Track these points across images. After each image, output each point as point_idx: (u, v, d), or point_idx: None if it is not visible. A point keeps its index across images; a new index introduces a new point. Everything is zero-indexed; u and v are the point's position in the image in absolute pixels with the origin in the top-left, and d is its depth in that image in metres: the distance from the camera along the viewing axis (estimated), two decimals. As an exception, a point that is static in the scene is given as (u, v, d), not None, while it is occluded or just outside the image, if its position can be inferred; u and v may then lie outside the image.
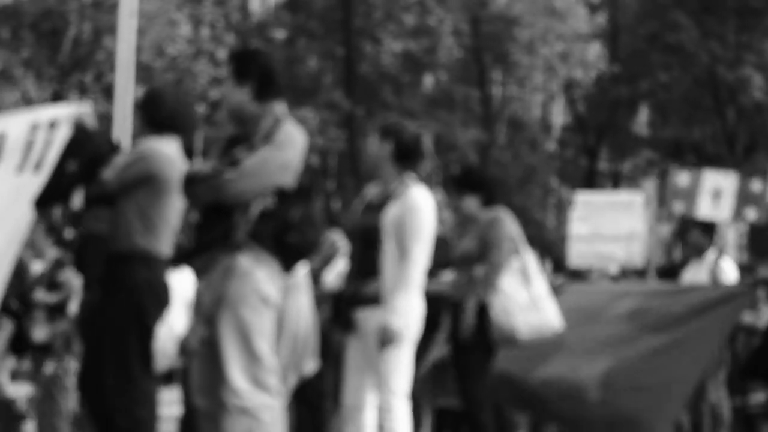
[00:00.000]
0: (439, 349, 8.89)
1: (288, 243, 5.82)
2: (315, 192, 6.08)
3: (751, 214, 11.06)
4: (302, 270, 7.72)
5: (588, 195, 13.54)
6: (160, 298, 6.53)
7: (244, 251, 5.72)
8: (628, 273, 14.31)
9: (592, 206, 12.92)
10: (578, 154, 41.34)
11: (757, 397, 10.59)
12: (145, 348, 6.35)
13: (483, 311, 7.80)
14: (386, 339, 6.31)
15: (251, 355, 5.70)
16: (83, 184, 6.52)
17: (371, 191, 6.86)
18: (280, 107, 5.97)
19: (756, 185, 10.95)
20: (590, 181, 39.22)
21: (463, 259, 8.17)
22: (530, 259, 8.11)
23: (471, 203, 8.20)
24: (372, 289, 6.47)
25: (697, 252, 11.15)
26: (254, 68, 5.94)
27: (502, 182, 8.47)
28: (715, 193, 11.05)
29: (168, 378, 9.32)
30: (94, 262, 6.42)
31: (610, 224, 12.66)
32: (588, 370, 8.62)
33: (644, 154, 41.35)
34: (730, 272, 10.76)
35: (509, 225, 8.07)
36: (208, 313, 5.76)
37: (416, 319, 6.52)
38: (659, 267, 15.17)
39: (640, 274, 14.48)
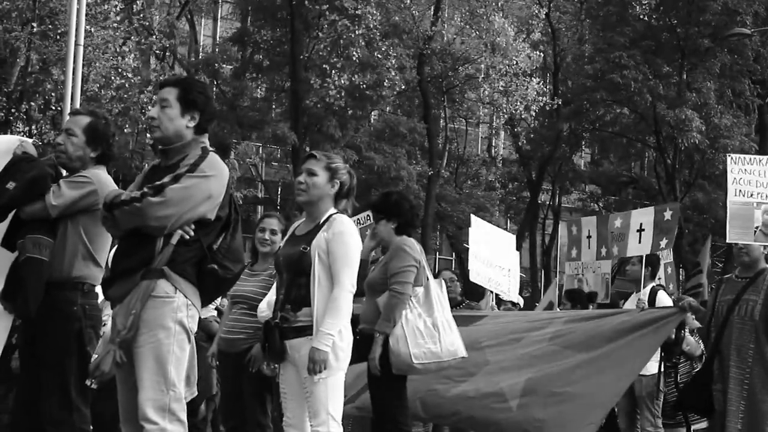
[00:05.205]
0: None
1: (207, 272, 5.80)
2: (237, 223, 6.00)
3: (663, 243, 11.23)
4: None
5: (481, 222, 13.83)
6: (95, 324, 6.52)
7: (164, 277, 5.67)
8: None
9: (485, 233, 13.25)
10: (521, 188, 41.81)
11: (699, 425, 10.74)
12: (83, 374, 6.19)
13: (385, 341, 7.82)
14: (315, 364, 6.33)
15: (164, 382, 5.64)
16: (21, 205, 6.37)
17: (296, 223, 6.91)
18: (205, 138, 5.98)
19: (667, 215, 11.18)
20: (533, 214, 39.69)
21: (369, 287, 8.21)
22: (434, 286, 8.11)
23: (384, 229, 8.25)
24: (302, 318, 6.49)
25: (636, 284, 11.31)
26: (201, 100, 5.93)
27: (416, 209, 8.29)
28: (640, 230, 11.26)
29: None
30: (35, 288, 6.27)
31: (498, 254, 13.21)
32: (509, 382, 8.77)
33: (585, 188, 41.98)
34: (667, 304, 10.72)
35: (415, 253, 8.01)
36: (124, 337, 5.63)
37: (347, 345, 6.54)
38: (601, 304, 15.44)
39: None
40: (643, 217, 11.36)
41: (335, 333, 6.39)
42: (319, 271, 6.49)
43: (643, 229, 11.23)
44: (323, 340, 6.35)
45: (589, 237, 13.32)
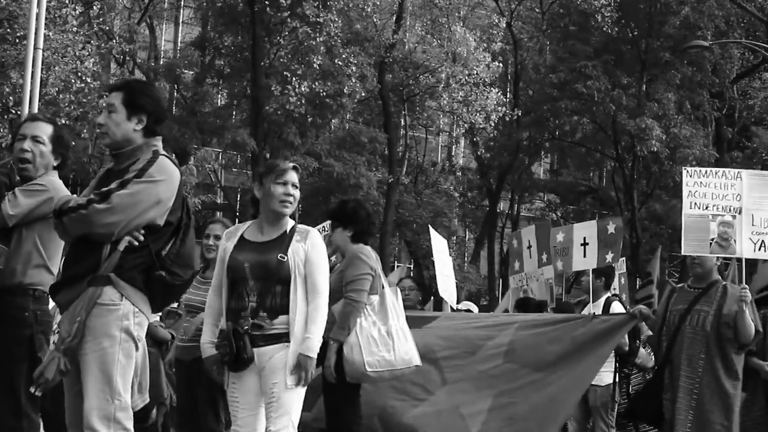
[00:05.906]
0: None
1: (155, 279, 5.71)
2: (188, 228, 5.90)
3: (609, 257, 11.27)
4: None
5: (437, 235, 13.87)
6: (46, 330, 6.48)
7: (110, 284, 5.60)
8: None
9: (441, 246, 13.31)
10: (481, 196, 41.95)
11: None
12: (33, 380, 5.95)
13: (340, 348, 7.78)
14: (306, 372, 6.38)
15: (109, 391, 5.57)
16: None
17: (240, 228, 6.86)
18: (158, 142, 5.89)
19: (610, 228, 11.22)
20: (492, 223, 39.82)
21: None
22: (390, 294, 8.10)
23: (340, 237, 8.20)
24: (279, 326, 6.48)
25: (590, 294, 11.25)
26: (149, 103, 5.85)
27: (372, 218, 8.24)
28: (583, 244, 11.31)
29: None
30: None
31: (448, 266, 13.25)
32: (470, 409, 8.79)
33: (544, 197, 42.17)
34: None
35: (371, 261, 7.98)
36: (69, 344, 5.56)
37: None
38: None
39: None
40: (586, 230, 11.43)
41: (320, 338, 6.50)
42: (298, 280, 6.54)
43: (587, 243, 11.31)
44: (312, 346, 6.44)
45: (529, 247, 13.42)
